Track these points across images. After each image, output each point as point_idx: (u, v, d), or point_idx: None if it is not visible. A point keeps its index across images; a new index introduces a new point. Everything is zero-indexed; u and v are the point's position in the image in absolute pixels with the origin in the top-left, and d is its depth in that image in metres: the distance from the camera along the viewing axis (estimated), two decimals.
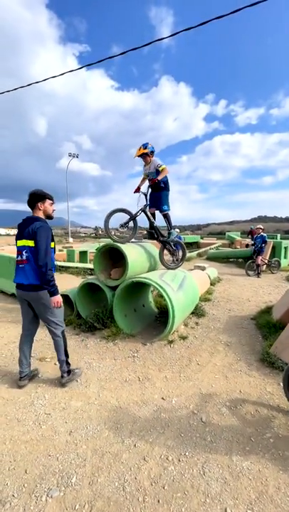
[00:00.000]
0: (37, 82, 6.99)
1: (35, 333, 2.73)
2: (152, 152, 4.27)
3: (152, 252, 4.76)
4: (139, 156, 4.30)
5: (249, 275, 8.96)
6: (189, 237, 23.29)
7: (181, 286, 3.97)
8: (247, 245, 12.67)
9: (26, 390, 2.53)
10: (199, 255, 14.72)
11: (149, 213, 4.33)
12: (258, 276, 8.76)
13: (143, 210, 4.22)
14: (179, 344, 3.52)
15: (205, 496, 1.54)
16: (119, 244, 3.87)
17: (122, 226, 4.13)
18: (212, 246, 17.72)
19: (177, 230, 13.51)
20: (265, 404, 2.36)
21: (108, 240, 4.22)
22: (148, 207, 4.32)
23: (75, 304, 4.25)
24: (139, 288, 4.40)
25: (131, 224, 4.18)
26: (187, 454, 1.84)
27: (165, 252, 4.73)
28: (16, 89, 7.55)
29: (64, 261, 10.93)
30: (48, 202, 2.57)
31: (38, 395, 2.43)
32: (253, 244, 10.10)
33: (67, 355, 2.64)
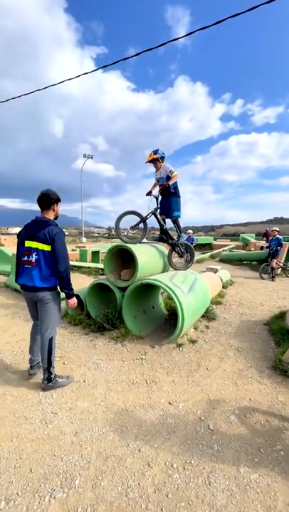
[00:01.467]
0: (53, 85, 7.12)
1: None
2: (162, 158, 4.29)
3: (163, 253, 4.72)
4: (149, 162, 4.33)
5: (263, 278, 8.72)
6: (202, 239, 23.03)
7: (191, 288, 3.91)
8: (262, 247, 12.35)
9: (34, 387, 2.56)
10: (212, 257, 14.51)
11: (159, 217, 4.37)
12: (273, 280, 8.51)
13: (153, 213, 4.24)
14: (188, 348, 3.46)
15: (210, 508, 1.50)
16: (129, 246, 3.86)
17: (132, 228, 4.18)
18: (225, 248, 17.42)
19: (190, 231, 13.40)
20: (277, 415, 2.27)
21: (120, 241, 4.24)
22: (158, 211, 4.35)
23: (86, 304, 4.28)
24: (149, 289, 4.38)
25: (141, 226, 4.21)
26: (193, 462, 1.79)
27: (174, 254, 4.71)
28: (33, 92, 7.73)
29: (77, 260, 11.09)
30: (59, 204, 2.63)
31: (45, 394, 2.46)
32: (267, 247, 9.83)
33: (49, 363, 2.50)
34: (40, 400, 2.38)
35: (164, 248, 4.85)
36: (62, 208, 2.69)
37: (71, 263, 9.55)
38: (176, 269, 4.60)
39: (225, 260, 12.93)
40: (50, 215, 2.56)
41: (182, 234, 4.60)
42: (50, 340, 2.50)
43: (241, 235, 25.48)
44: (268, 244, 10.05)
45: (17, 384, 2.63)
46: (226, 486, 1.62)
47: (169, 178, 4.20)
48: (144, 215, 4.15)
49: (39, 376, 2.72)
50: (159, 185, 4.37)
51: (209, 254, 14.91)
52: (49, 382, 2.53)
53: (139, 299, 4.20)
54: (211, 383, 2.72)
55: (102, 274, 8.24)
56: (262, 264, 9.17)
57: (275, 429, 2.11)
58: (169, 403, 2.39)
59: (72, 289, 2.50)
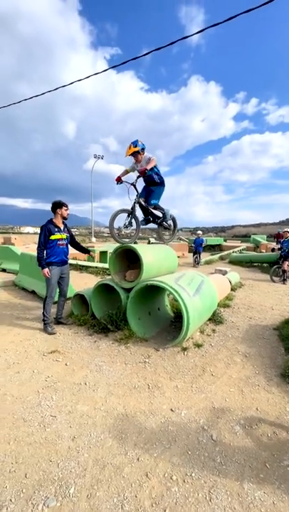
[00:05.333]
0: (63, 86, 7.16)
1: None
2: (143, 149, 4.10)
3: (170, 255, 4.63)
4: (130, 155, 4.13)
5: (274, 281, 8.46)
6: (211, 240, 22.71)
7: (198, 290, 3.80)
8: (273, 249, 12.04)
9: (35, 389, 2.53)
10: (221, 258, 14.27)
11: (142, 202, 4.27)
12: (284, 283, 8.25)
13: (137, 202, 4.14)
14: (193, 352, 3.36)
15: None
16: (134, 246, 3.80)
17: (126, 227, 4.07)
18: (235, 249, 17.10)
19: (199, 232, 13.25)
20: (285, 426, 2.15)
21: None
22: (141, 198, 4.27)
23: (90, 305, 4.24)
24: (154, 291, 4.31)
25: (134, 223, 4.11)
26: (193, 475, 1.70)
27: (161, 229, 4.84)
28: (43, 93, 7.80)
29: (84, 260, 11.13)
30: (63, 208, 4.00)
31: (45, 396, 2.42)
32: (279, 249, 9.56)
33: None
34: (40, 401, 2.35)
35: (171, 249, 4.77)
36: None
37: (79, 263, 9.68)
38: (164, 242, 4.89)
39: (235, 262, 12.68)
40: (56, 217, 4.00)
41: (166, 209, 4.58)
42: None
43: (252, 236, 25.02)
44: (279, 246, 9.78)
45: (18, 384, 2.62)
46: (227, 503, 1.53)
47: (144, 172, 4.02)
48: (130, 209, 4.06)
49: (38, 377, 2.71)
50: (140, 172, 4.11)
51: (219, 255, 14.67)
52: (67, 319, 4.28)
53: (144, 301, 4.13)
54: (215, 390, 2.61)
55: (109, 275, 8.23)
56: (273, 267, 8.92)
57: (282, 443, 1.99)
58: (171, 410, 2.31)
59: (39, 262, 3.83)
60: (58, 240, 3.92)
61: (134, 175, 4.28)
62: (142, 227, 4.43)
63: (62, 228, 4.03)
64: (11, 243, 15.20)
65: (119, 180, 4.19)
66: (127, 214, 4.01)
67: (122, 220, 4.00)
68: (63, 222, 4.08)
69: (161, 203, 4.52)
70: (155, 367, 3.01)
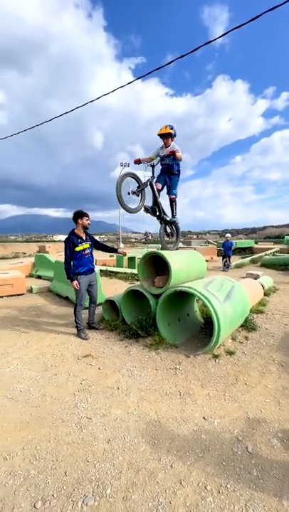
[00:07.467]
0: (91, 102, 7.57)
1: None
2: (175, 135, 4.13)
3: (198, 259, 4.60)
4: (161, 135, 4.12)
5: None
6: (241, 242, 21.87)
7: (228, 296, 3.72)
8: None
9: (71, 391, 2.67)
10: (253, 262, 13.69)
11: (154, 186, 4.22)
12: None
13: (150, 183, 4.11)
14: (225, 359, 3.29)
15: None
16: (162, 253, 3.84)
17: (134, 193, 3.92)
18: (268, 251, 16.30)
19: (228, 235, 12.86)
20: None
21: (157, 246, 4.23)
22: (154, 180, 4.24)
23: (121, 310, 4.36)
24: (183, 296, 4.29)
25: (140, 196, 4.09)
26: (229, 486, 1.67)
27: (164, 233, 4.69)
28: (73, 110, 8.30)
29: (114, 266, 11.42)
30: (84, 218, 4.07)
31: (81, 398, 2.55)
32: None
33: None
34: (76, 403, 2.47)
35: (199, 254, 4.73)
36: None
37: (108, 268, 9.98)
38: (166, 249, 4.62)
39: (267, 265, 12.08)
40: (77, 228, 4.10)
41: (176, 216, 4.64)
42: None
43: (286, 237, 23.65)
44: None
45: (56, 386, 2.78)
46: None
47: (174, 154, 4.05)
48: (142, 180, 4.00)
49: (74, 380, 2.85)
50: (162, 164, 4.27)
51: (250, 258, 14.10)
52: (99, 324, 4.46)
53: (173, 306, 4.14)
54: (250, 400, 2.53)
55: (138, 280, 8.35)
56: None
57: None
58: (204, 418, 2.29)
59: (67, 274, 3.99)
60: (83, 250, 4.05)
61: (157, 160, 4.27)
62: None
63: (84, 238, 4.13)
64: (45, 251, 16.13)
65: (138, 161, 4.20)
66: (135, 180, 3.93)
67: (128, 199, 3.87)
68: (85, 231, 4.19)
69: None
70: (186, 374, 3.00)
